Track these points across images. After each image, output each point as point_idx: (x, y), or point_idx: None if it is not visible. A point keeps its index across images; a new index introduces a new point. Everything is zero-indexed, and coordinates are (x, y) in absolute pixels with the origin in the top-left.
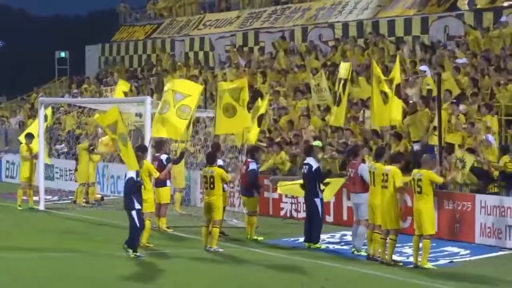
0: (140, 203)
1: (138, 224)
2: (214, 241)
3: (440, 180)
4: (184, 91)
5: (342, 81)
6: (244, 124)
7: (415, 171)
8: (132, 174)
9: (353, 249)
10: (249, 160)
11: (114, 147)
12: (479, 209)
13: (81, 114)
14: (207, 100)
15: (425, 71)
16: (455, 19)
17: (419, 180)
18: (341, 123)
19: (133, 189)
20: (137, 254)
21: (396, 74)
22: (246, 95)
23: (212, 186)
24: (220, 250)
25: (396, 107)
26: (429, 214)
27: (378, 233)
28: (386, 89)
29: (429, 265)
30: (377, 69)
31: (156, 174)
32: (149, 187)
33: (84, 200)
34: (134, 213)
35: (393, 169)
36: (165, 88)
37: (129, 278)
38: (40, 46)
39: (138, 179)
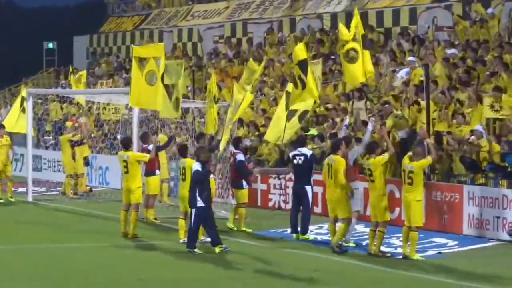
0: (204, 200)
1: (192, 224)
2: (183, 232)
3: (429, 159)
4: (155, 54)
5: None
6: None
7: (405, 162)
8: (197, 166)
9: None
10: (235, 151)
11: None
12: (467, 200)
13: (69, 105)
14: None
15: (414, 62)
16: (443, 10)
17: (411, 172)
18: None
19: (197, 181)
20: (194, 250)
21: (359, 27)
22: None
23: (184, 177)
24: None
25: (366, 59)
26: (418, 206)
27: (345, 225)
28: (354, 45)
29: (417, 256)
30: (342, 34)
31: (146, 158)
32: (138, 178)
33: (72, 191)
34: (193, 211)
35: (336, 158)
36: (141, 55)
37: (115, 269)
38: (28, 37)
39: (200, 169)
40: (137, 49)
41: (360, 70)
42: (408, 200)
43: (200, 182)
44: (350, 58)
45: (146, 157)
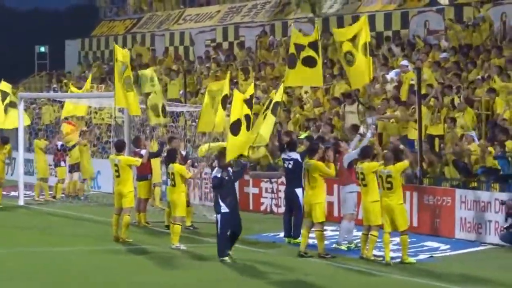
0: (228, 205)
1: (218, 231)
2: (176, 238)
3: (406, 163)
4: (125, 60)
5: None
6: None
7: (381, 168)
8: (216, 172)
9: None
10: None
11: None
12: (459, 204)
13: (61, 109)
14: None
15: (407, 66)
16: (435, 14)
17: (389, 176)
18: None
19: (216, 187)
20: (224, 259)
21: (363, 34)
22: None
23: (173, 183)
24: (182, 247)
25: (366, 64)
26: (402, 209)
27: (321, 230)
28: (350, 48)
29: (411, 259)
30: (339, 36)
31: (138, 162)
32: (130, 182)
33: (51, 195)
34: (218, 217)
35: (313, 163)
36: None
37: (106, 273)
38: (19, 40)
39: (219, 175)
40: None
41: (359, 73)
42: (390, 205)
43: (218, 188)
44: (348, 61)
45: (138, 161)
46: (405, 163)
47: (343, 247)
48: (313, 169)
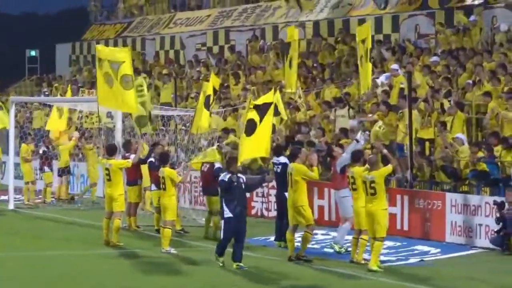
0: (232, 210)
1: (221, 235)
2: (166, 242)
3: (389, 168)
4: (116, 58)
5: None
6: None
7: (365, 174)
8: (224, 176)
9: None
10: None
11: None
12: (450, 208)
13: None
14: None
15: (397, 70)
16: (425, 18)
17: (372, 182)
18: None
19: (222, 190)
20: (218, 258)
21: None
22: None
23: (164, 186)
24: (173, 251)
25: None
26: (384, 215)
27: (310, 233)
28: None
29: (376, 267)
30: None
31: (128, 163)
32: (121, 186)
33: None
34: (222, 222)
35: (295, 166)
36: (99, 56)
37: (97, 277)
38: (10, 44)
39: (226, 179)
40: (100, 48)
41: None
42: (373, 211)
43: (225, 192)
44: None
45: (129, 162)
46: (388, 168)
47: (336, 248)
48: (295, 173)
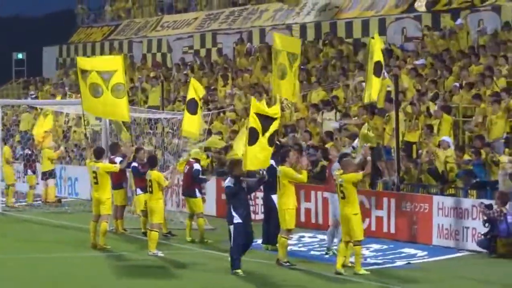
0: (240, 215)
1: (231, 242)
2: (153, 245)
3: (359, 176)
4: (108, 68)
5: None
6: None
7: (337, 175)
8: (229, 182)
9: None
10: (191, 160)
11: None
12: (437, 211)
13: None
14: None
15: (384, 73)
16: (412, 21)
17: (341, 185)
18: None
19: (229, 196)
20: (237, 271)
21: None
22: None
23: (151, 190)
24: (160, 254)
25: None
26: (356, 219)
27: (285, 238)
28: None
29: (363, 270)
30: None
31: (116, 168)
32: (108, 189)
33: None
34: (231, 227)
35: (282, 169)
36: (83, 68)
37: (84, 280)
38: None
39: (231, 185)
40: (80, 60)
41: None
42: (346, 214)
43: (231, 198)
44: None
45: (116, 167)
46: (357, 174)
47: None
48: (282, 175)
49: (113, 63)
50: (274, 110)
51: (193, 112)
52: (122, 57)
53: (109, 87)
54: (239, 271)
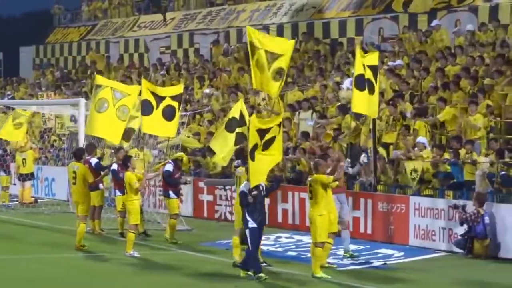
0: (255, 220)
1: (249, 246)
2: (129, 245)
3: (329, 179)
4: (123, 90)
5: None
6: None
7: (310, 176)
8: (243, 187)
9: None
10: (170, 161)
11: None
12: (413, 211)
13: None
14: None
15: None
16: (389, 21)
17: (310, 185)
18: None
19: (242, 201)
20: (260, 275)
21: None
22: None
23: (126, 191)
24: (136, 254)
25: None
26: (320, 220)
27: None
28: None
29: (321, 273)
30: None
31: (91, 178)
32: (86, 190)
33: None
34: (247, 232)
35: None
36: (99, 83)
37: (63, 280)
38: None
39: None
40: (102, 79)
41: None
42: (311, 215)
43: (248, 203)
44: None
45: (90, 177)
46: (328, 178)
47: (348, 255)
48: (243, 176)
49: (130, 89)
50: (275, 121)
51: (148, 113)
52: (137, 88)
53: (116, 105)
54: (262, 275)
